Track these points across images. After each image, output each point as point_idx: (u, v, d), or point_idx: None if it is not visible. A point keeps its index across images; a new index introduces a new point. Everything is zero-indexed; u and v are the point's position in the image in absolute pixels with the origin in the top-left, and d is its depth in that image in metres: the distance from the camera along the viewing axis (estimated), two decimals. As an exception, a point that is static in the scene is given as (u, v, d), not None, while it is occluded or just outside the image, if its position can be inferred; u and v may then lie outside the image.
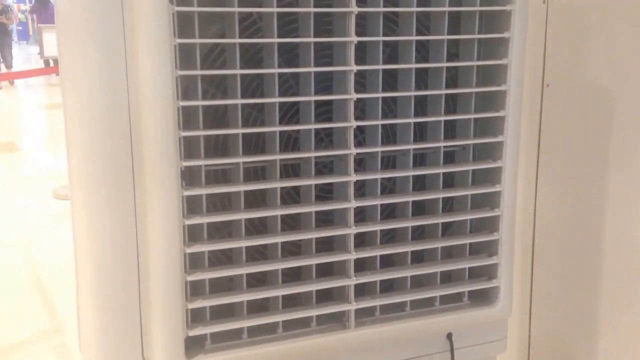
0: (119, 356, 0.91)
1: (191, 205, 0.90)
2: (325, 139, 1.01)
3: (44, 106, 8.80)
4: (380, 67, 0.96)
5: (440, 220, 1.04)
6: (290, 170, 1.00)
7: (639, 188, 1.26)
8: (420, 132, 1.06)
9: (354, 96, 0.94)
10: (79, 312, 1.01)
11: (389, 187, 1.06)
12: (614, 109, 1.29)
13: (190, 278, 0.89)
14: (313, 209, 0.96)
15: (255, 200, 0.97)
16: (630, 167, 1.27)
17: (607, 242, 1.33)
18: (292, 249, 1.01)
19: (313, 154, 0.95)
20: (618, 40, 1.27)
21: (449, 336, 1.09)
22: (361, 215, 1.01)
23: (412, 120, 1.00)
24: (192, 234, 0.92)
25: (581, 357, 1.42)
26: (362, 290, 1.03)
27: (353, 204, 0.97)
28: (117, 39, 0.84)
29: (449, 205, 1.09)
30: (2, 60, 10.83)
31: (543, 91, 1.44)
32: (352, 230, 0.97)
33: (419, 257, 1.08)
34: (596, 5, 1.30)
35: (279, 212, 0.94)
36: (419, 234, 1.08)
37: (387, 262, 1.04)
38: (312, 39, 0.91)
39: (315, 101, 0.95)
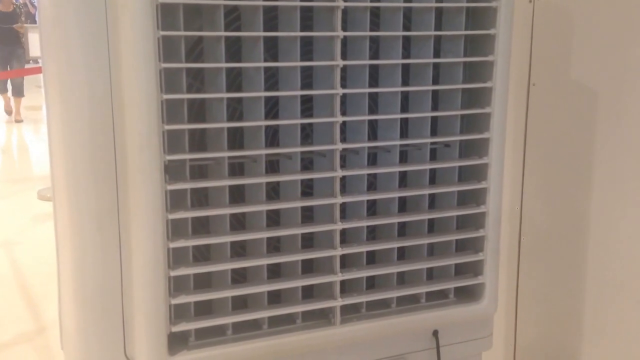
0: (100, 353, 0.90)
1: (172, 201, 0.89)
2: (311, 134, 1.00)
3: (27, 108, 8.70)
4: (367, 62, 0.96)
5: (427, 216, 1.04)
6: (276, 165, 0.99)
7: (624, 185, 1.27)
8: (401, 129, 1.06)
9: (341, 91, 0.93)
10: (61, 309, 1.00)
11: (375, 184, 1.06)
12: (599, 108, 1.30)
13: (173, 273, 0.88)
14: (299, 204, 0.95)
15: (233, 196, 0.96)
16: (616, 165, 1.28)
17: (593, 239, 1.34)
18: (277, 245, 1.00)
19: (300, 149, 0.94)
20: (604, 40, 1.28)
21: (435, 333, 1.09)
22: (342, 213, 1.00)
23: (399, 116, 1.00)
24: (175, 230, 0.91)
25: (567, 355, 1.42)
26: (346, 287, 1.02)
27: (339, 199, 0.96)
28: (100, 31, 0.83)
29: (433, 203, 1.09)
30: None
31: (529, 90, 1.44)
32: (339, 226, 0.97)
33: (402, 255, 1.07)
34: (582, 4, 1.31)
35: (266, 207, 0.93)
36: (403, 232, 1.07)
37: (369, 260, 1.04)
38: (298, 33, 0.91)
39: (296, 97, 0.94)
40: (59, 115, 0.87)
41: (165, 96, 0.84)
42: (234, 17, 0.93)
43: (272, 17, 0.94)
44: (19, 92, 7.87)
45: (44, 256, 3.29)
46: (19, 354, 2.30)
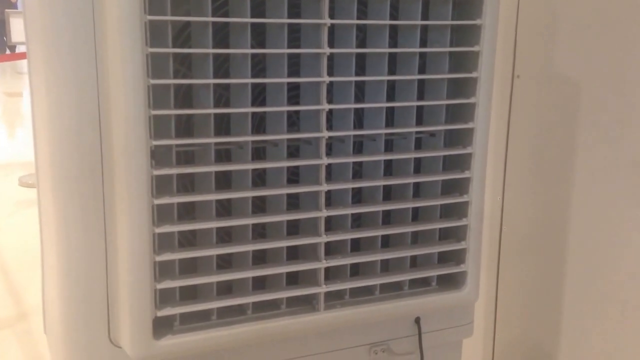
0: (84, 337, 0.90)
1: (158, 187, 0.90)
2: (297, 122, 1.01)
3: (7, 95, 8.56)
4: (354, 50, 0.96)
5: (411, 205, 1.05)
6: (262, 152, 0.99)
7: (606, 179, 1.28)
8: (387, 118, 1.07)
9: (327, 79, 0.94)
10: (45, 294, 0.99)
11: (360, 172, 1.07)
12: (583, 101, 1.31)
13: (159, 258, 0.88)
14: (285, 191, 0.96)
15: (219, 182, 0.97)
16: (598, 158, 1.30)
17: (573, 231, 1.36)
18: (262, 232, 1.01)
19: (286, 136, 0.94)
20: (588, 33, 1.29)
21: (417, 320, 1.11)
22: (327, 200, 1.01)
23: (385, 105, 1.00)
24: (161, 215, 0.91)
25: (546, 343, 1.45)
26: (330, 274, 1.03)
27: (325, 187, 0.97)
28: (86, 15, 0.82)
29: (417, 192, 1.10)
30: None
31: (513, 82, 1.45)
32: (324, 213, 0.98)
33: (386, 242, 1.08)
34: (566, -3, 1.32)
35: (251, 193, 0.93)
36: (387, 220, 1.08)
37: (354, 247, 1.05)
38: (285, 20, 0.91)
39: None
40: (44, 100, 0.87)
41: (152, 81, 0.84)
42: (221, 2, 0.93)
43: (260, 4, 0.94)
44: None
45: (26, 242, 3.26)
46: (0, 339, 2.29)
